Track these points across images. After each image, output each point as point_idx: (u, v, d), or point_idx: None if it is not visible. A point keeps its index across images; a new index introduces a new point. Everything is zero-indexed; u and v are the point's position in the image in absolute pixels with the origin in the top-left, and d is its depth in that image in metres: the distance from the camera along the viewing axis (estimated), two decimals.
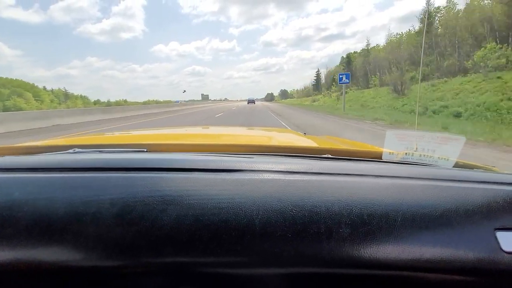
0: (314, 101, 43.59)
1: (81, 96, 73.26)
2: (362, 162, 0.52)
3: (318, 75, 71.19)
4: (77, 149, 0.59)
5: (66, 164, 0.44)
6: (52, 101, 56.45)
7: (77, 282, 0.35)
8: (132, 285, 0.35)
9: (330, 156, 0.59)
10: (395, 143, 0.60)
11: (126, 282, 0.35)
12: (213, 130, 1.41)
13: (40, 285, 0.35)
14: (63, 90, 67.99)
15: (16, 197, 0.37)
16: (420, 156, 0.57)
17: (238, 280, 0.35)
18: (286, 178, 0.40)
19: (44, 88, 61.52)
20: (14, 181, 0.40)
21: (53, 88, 66.82)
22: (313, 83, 74.04)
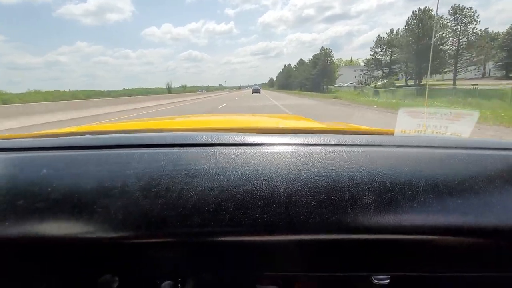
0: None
1: None
2: (376, 136, 0.53)
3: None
4: (89, 136, 0.59)
5: (88, 143, 0.44)
6: None
7: (108, 254, 0.36)
8: (162, 255, 0.36)
9: None
10: (407, 120, 0.60)
11: (156, 252, 0.36)
12: (229, 117, 1.41)
13: (72, 257, 0.36)
14: None
15: (44, 173, 0.38)
16: (432, 133, 0.57)
17: (264, 247, 0.36)
18: (306, 150, 0.40)
19: None
20: (40, 158, 0.40)
21: None
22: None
